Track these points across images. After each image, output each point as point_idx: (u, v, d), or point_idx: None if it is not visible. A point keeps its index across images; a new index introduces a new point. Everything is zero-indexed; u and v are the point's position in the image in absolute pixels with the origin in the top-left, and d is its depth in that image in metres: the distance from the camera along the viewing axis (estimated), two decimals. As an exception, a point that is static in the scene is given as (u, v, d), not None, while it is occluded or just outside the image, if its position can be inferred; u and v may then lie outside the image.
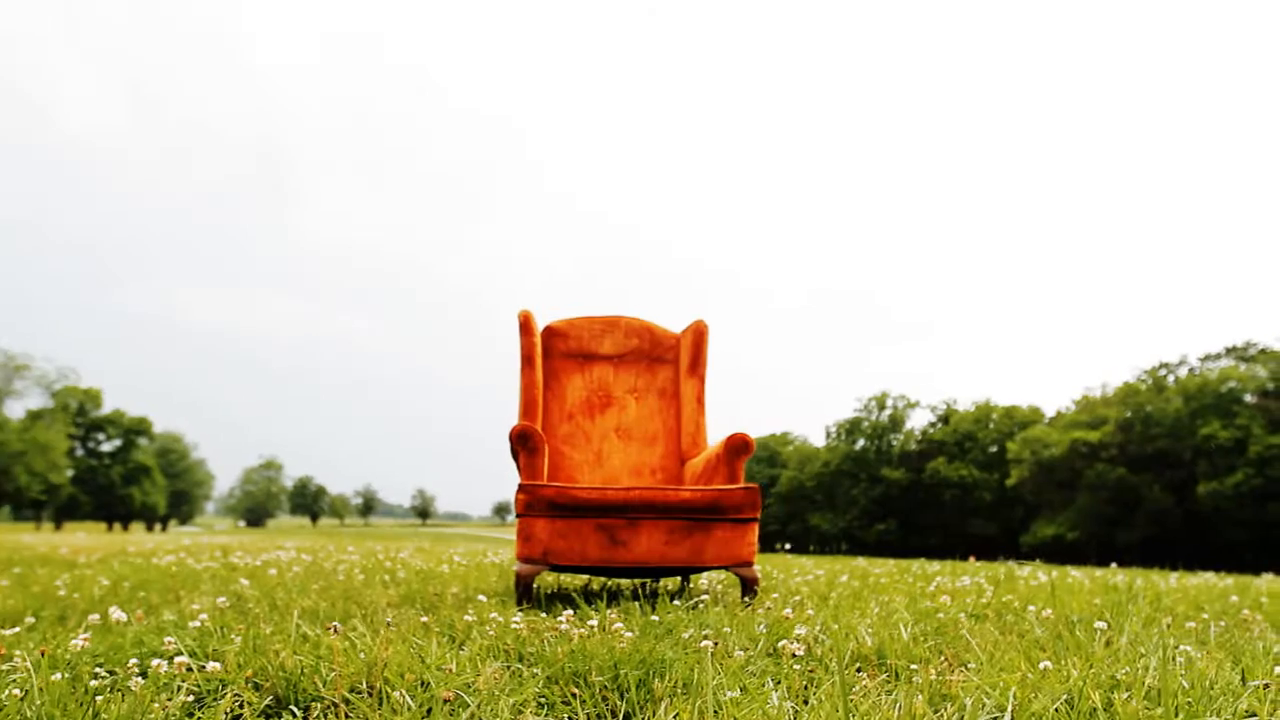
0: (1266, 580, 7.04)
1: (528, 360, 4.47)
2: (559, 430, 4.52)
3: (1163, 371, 50.19)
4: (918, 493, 58.21)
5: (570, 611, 2.64)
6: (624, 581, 4.71)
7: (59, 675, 1.83)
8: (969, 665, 1.97)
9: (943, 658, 2.16)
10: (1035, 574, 5.66)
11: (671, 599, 3.56)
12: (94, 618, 2.57)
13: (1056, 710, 1.59)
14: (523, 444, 3.84)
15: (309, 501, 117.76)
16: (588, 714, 1.76)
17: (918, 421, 63.83)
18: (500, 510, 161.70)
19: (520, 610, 3.19)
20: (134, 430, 72.45)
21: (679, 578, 4.52)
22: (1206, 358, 49.31)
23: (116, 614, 2.38)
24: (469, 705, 1.71)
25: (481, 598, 3.10)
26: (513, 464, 4.51)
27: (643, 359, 4.71)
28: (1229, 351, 48.66)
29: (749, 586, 3.69)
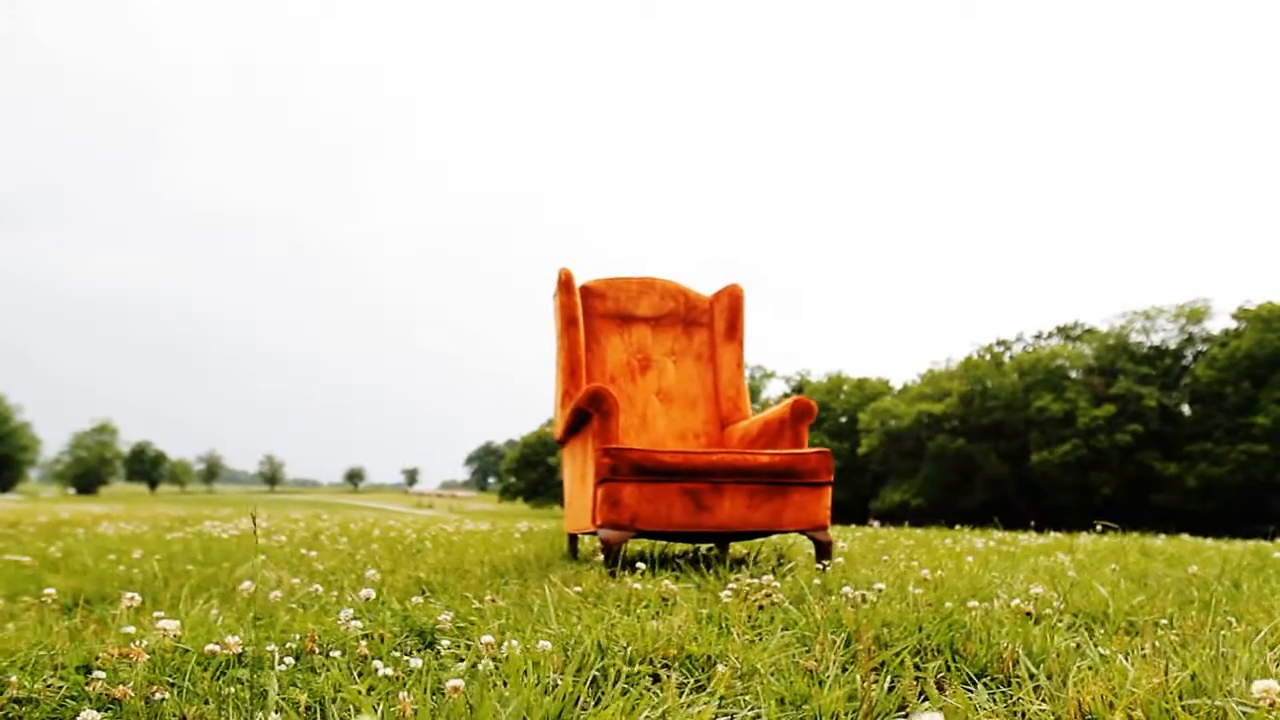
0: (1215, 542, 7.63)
1: (570, 321, 4.30)
2: (601, 393, 4.38)
3: (1000, 348, 53.73)
4: (774, 460, 60.08)
5: (769, 577, 2.56)
6: (678, 546, 4.64)
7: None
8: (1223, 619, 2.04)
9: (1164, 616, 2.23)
10: (1016, 538, 5.94)
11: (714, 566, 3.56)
12: (275, 594, 2.29)
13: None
14: (596, 407, 3.69)
15: (147, 467, 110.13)
16: (905, 683, 1.71)
17: (773, 391, 65.99)
18: (352, 476, 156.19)
19: (688, 576, 3.08)
20: (-55, 391, 65.85)
21: (715, 545, 4.50)
22: (1039, 336, 53.17)
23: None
24: (811, 679, 1.63)
25: (641, 564, 2.98)
26: (549, 426, 4.36)
27: (679, 322, 4.62)
28: (1059, 330, 52.60)
29: (824, 550, 3.70)
